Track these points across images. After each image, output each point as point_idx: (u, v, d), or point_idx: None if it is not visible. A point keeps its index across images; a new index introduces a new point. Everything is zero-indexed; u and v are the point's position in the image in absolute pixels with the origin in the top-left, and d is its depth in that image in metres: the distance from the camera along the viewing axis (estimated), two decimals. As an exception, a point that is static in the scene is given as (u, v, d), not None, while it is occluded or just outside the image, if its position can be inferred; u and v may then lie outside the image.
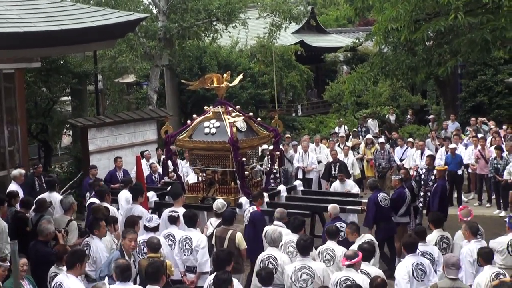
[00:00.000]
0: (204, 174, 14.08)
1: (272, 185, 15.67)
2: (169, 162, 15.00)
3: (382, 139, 21.02)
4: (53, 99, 21.83)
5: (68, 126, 22.90)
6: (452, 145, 18.72)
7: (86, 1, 23.05)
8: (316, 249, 9.84)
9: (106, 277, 8.50)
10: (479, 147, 18.69)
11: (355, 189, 15.62)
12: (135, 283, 8.75)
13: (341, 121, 26.53)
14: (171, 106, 25.48)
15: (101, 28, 14.84)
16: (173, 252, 10.50)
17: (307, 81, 33.25)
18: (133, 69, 26.76)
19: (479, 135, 20.15)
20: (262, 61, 29.98)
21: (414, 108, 30.64)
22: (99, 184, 14.16)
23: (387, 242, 13.11)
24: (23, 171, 14.75)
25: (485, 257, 8.79)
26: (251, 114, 14.73)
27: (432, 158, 16.69)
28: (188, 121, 14.35)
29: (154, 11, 25.32)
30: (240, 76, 15.60)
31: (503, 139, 19.93)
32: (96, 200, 12.59)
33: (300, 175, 18.83)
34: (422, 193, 15.58)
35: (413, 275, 8.80)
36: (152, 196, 13.93)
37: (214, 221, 11.54)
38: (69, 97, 25.07)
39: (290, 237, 10.23)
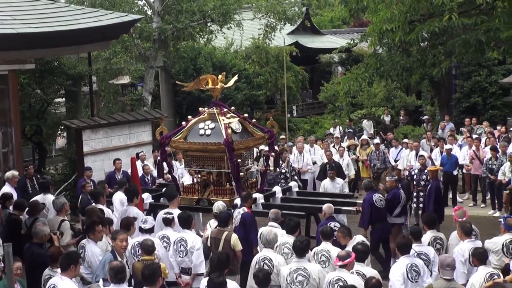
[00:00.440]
0: (199, 176, 14.07)
1: (283, 184, 15.95)
2: (164, 164, 14.99)
3: (377, 140, 21.05)
4: (47, 101, 21.77)
5: (62, 127, 22.84)
6: (448, 146, 18.77)
7: (80, 2, 23.05)
8: (311, 250, 9.84)
9: (101, 280, 8.48)
10: (474, 147, 18.72)
11: (345, 190, 15.73)
12: (129, 285, 8.73)
13: (336, 122, 26.56)
14: (166, 108, 25.47)
15: (95, 30, 14.82)
16: (168, 254, 10.48)
17: (302, 82, 33.27)
18: (127, 71, 26.79)
19: (474, 136, 20.20)
20: (257, 62, 29.98)
21: (408, 109, 30.71)
22: (103, 186, 14.22)
23: (382, 242, 13.14)
24: (16, 173, 14.69)
25: (479, 257, 8.80)
26: (246, 115, 14.71)
27: (425, 158, 16.73)
28: (183, 123, 14.34)
29: (149, 12, 25.31)
30: (235, 77, 15.60)
31: (497, 139, 19.97)
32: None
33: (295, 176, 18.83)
34: (414, 193, 15.65)
35: (407, 276, 8.80)
36: (147, 197, 13.91)
37: (213, 223, 11.49)
38: (64, 99, 25.00)
39: (285, 238, 10.23)
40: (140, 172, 15.86)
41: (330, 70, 37.54)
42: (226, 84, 14.73)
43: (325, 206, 11.94)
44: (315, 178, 19.00)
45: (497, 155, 17.51)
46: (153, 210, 13.55)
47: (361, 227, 13.11)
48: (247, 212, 11.83)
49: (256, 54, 29.96)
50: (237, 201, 13.00)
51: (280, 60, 30.47)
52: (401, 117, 29.12)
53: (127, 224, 10.45)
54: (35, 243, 10.08)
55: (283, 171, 17.79)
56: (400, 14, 12.01)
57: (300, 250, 9.05)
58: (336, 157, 18.88)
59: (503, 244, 10.03)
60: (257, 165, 17.23)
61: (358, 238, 9.89)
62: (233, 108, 14.66)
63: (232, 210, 11.98)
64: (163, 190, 14.22)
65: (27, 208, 11.97)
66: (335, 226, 11.40)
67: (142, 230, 10.41)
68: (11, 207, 12.42)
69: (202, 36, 25.61)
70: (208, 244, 10.73)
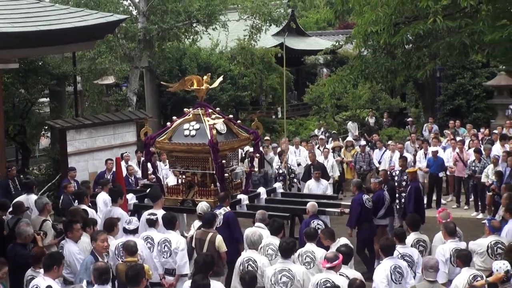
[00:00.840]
0: (183, 177, 14.04)
1: (282, 184, 16.05)
2: (149, 164, 14.95)
3: (363, 142, 21.13)
4: (31, 101, 21.67)
5: (46, 127, 22.75)
6: (434, 148, 18.86)
7: (65, 2, 22.93)
8: (295, 251, 9.85)
9: (85, 281, 8.44)
10: (457, 149, 18.81)
11: (329, 191, 15.78)
12: (113, 286, 8.69)
13: (321, 124, 26.59)
14: (150, 108, 25.41)
15: (80, 29, 14.76)
16: (152, 255, 10.45)
17: (287, 83, 33.27)
18: (112, 71, 26.66)
19: (457, 138, 20.30)
20: (242, 63, 29.96)
21: (393, 111, 30.80)
22: (87, 186, 14.15)
23: (367, 244, 13.17)
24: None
25: (463, 259, 8.83)
26: (231, 116, 14.70)
27: (405, 159, 16.84)
28: (168, 123, 14.31)
29: (134, 12, 25.22)
30: (220, 78, 15.58)
31: (481, 142, 20.08)
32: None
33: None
34: (397, 194, 15.72)
35: (391, 278, 8.83)
36: (131, 198, 13.87)
37: (197, 224, 11.49)
38: (48, 99, 24.91)
39: (269, 239, 10.23)
40: (124, 173, 15.81)
41: (315, 72, 37.59)
42: (211, 85, 14.72)
43: (309, 204, 12.04)
44: (299, 179, 19.02)
45: (481, 157, 17.61)
46: (137, 211, 13.52)
47: (348, 226, 13.17)
48: (229, 211, 11.86)
49: (242, 55, 29.92)
50: (239, 196, 13.28)
51: (265, 62, 30.49)
52: (384, 119, 29.19)
53: (110, 224, 10.43)
54: (19, 244, 10.02)
55: (281, 171, 17.92)
56: (385, 16, 12.05)
57: (286, 251, 9.05)
58: (320, 158, 18.91)
59: (488, 246, 10.08)
60: (242, 166, 17.24)
61: (342, 240, 9.91)
62: (218, 109, 14.66)
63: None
64: (148, 191, 14.19)
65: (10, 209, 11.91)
66: (318, 224, 11.48)
67: (126, 231, 10.38)
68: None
69: (187, 37, 25.55)
70: (193, 245, 10.71)
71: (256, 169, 15.38)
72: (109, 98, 30.15)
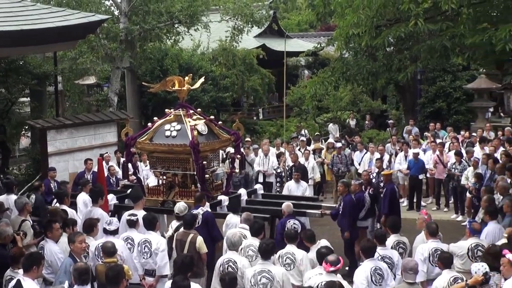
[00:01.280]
0: (164, 177, 14.01)
1: (279, 184, 16.03)
2: (129, 165, 14.90)
3: (339, 144, 21.19)
4: (11, 100, 21.53)
5: (26, 127, 22.62)
6: (415, 150, 18.95)
7: (47, 1, 22.79)
8: (276, 253, 9.85)
9: (66, 282, 8.39)
10: (438, 152, 18.91)
11: (308, 192, 15.84)
12: (92, 287, 8.65)
13: (301, 126, 26.63)
14: (131, 109, 25.32)
15: (62, 29, 14.65)
16: (132, 255, 10.42)
17: (268, 85, 33.29)
18: (93, 71, 26.54)
19: (438, 140, 20.42)
20: (223, 64, 29.95)
21: (374, 113, 30.92)
22: (66, 187, 14.07)
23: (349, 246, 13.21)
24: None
25: (444, 261, 8.88)
26: (212, 117, 14.69)
27: (382, 161, 16.93)
28: (149, 124, 14.29)
29: (116, 12, 25.12)
30: (202, 79, 15.60)
31: (460, 144, 20.21)
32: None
33: (261, 179, 18.87)
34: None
35: (371, 279, 8.86)
36: (111, 199, 13.82)
37: (174, 224, 11.50)
38: (28, 98, 24.77)
39: (249, 240, 10.24)
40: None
41: (297, 74, 37.63)
42: (192, 86, 14.70)
43: (284, 205, 12.09)
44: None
45: (461, 159, 17.73)
46: (118, 211, 13.48)
47: (341, 226, 13.18)
48: (207, 211, 11.88)
49: (223, 56, 29.91)
50: (220, 197, 13.34)
51: (247, 63, 30.48)
52: (366, 122, 29.29)
53: (90, 225, 10.39)
54: (-2, 244, 9.95)
55: (279, 171, 17.97)
56: (366, 19, 12.07)
57: (266, 252, 9.05)
58: (301, 160, 18.95)
59: (468, 248, 10.13)
60: (223, 167, 17.23)
61: (323, 242, 9.91)
62: (199, 110, 14.64)
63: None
64: (128, 191, 14.14)
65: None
66: (294, 224, 11.52)
67: (106, 232, 10.34)
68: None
69: (169, 38, 25.49)
70: (173, 246, 10.69)
71: (237, 170, 15.39)
72: (90, 98, 30.00)
